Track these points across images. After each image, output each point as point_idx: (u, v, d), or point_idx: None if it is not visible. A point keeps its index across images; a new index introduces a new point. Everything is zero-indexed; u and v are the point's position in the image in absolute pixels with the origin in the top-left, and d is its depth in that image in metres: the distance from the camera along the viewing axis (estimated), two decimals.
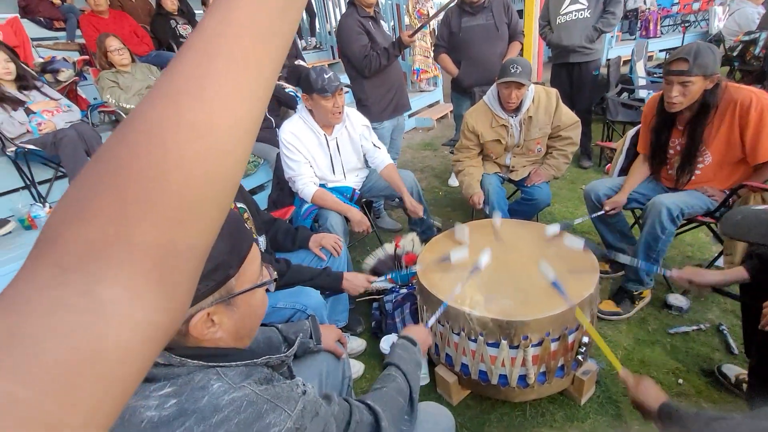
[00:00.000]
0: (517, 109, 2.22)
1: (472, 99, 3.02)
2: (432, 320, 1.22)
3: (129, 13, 4.04)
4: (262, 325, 1.41)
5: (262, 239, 1.67)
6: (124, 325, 0.19)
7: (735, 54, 4.25)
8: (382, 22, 2.78)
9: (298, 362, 1.15)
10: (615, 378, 1.61)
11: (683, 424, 0.88)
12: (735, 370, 1.50)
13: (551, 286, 1.24)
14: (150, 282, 0.21)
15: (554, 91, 2.26)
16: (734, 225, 0.52)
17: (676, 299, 1.88)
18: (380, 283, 2.12)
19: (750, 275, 1.23)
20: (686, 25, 6.67)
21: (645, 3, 7.30)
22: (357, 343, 1.91)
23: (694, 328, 1.77)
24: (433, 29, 5.39)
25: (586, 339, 1.43)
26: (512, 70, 2.04)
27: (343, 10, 2.68)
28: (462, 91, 3.15)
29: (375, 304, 2.03)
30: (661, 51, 6.74)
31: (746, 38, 4.06)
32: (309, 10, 6.30)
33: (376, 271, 2.13)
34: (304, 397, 0.63)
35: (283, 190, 2.26)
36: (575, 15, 3.14)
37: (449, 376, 1.56)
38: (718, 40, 5.17)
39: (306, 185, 2.02)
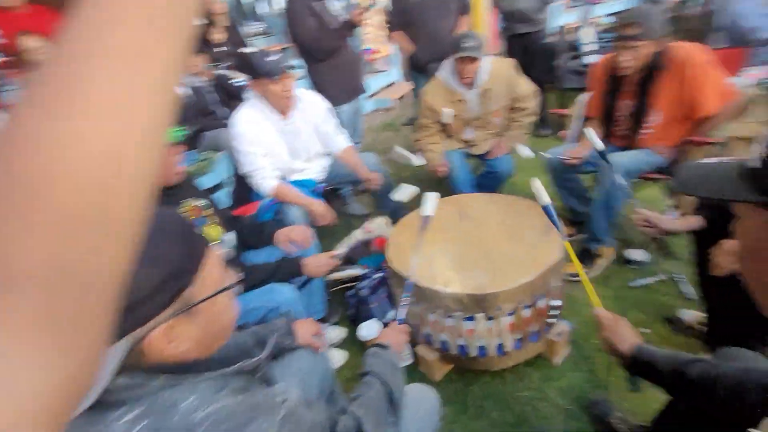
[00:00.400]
0: (474, 83, 2.22)
1: (429, 75, 2.98)
2: (402, 313, 1.21)
3: (53, 5, 3.66)
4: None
5: (229, 236, 1.59)
6: (18, 396, 0.15)
7: (674, 14, 4.42)
8: (334, 0, 2.67)
9: (276, 363, 1.12)
10: (587, 336, 1.69)
11: (656, 366, 0.91)
12: (692, 315, 1.61)
13: (543, 210, 1.23)
14: (41, 325, 0.17)
15: (511, 62, 2.27)
16: (684, 181, 0.53)
17: (636, 254, 1.98)
18: (353, 269, 2.11)
19: (706, 221, 1.30)
20: None
21: None
22: (335, 333, 1.89)
23: (654, 279, 1.87)
24: (384, 7, 5.25)
25: (556, 302, 1.48)
26: (465, 44, 2.03)
27: None
28: (419, 69, 3.12)
29: (350, 292, 2.02)
30: (607, 15, 6.91)
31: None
32: None
33: (348, 259, 2.11)
34: (286, 404, 0.60)
35: (245, 185, 2.16)
36: None
37: (430, 354, 1.58)
38: (654, 1, 5.35)
39: (264, 179, 1.93)
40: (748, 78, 1.81)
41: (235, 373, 0.63)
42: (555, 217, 1.22)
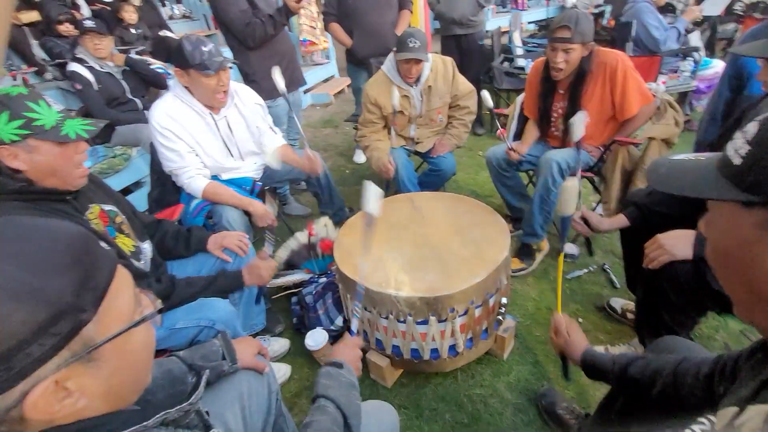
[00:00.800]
0: (417, 80, 2.19)
1: (368, 71, 2.92)
2: (355, 324, 1.13)
3: None
4: (157, 354, 1.17)
5: (147, 246, 1.38)
6: None
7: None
8: None
9: (212, 389, 0.97)
10: (529, 329, 1.75)
11: (602, 367, 0.94)
12: (620, 302, 1.74)
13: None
14: None
15: (450, 60, 2.27)
16: (661, 177, 0.50)
17: (569, 248, 2.10)
18: (295, 275, 1.98)
19: (630, 221, 1.39)
20: None
21: None
22: (279, 345, 1.75)
23: (585, 271, 2.00)
24: None
25: (504, 300, 1.49)
26: (410, 45, 1.99)
27: None
28: (358, 63, 3.03)
29: (294, 299, 1.88)
30: (530, 23, 7.41)
31: (596, 11, 4.65)
32: None
33: (290, 264, 1.97)
34: None
35: (166, 186, 1.91)
36: None
37: (381, 360, 1.52)
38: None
39: (193, 178, 1.72)
40: (660, 84, 2.00)
41: (157, 427, 0.50)
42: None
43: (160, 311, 0.55)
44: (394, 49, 2.13)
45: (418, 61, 2.06)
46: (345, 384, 0.89)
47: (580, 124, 1.19)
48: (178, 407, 0.53)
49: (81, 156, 1.12)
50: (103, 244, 0.51)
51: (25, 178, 1.04)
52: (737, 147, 0.43)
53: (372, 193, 1.10)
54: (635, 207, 1.41)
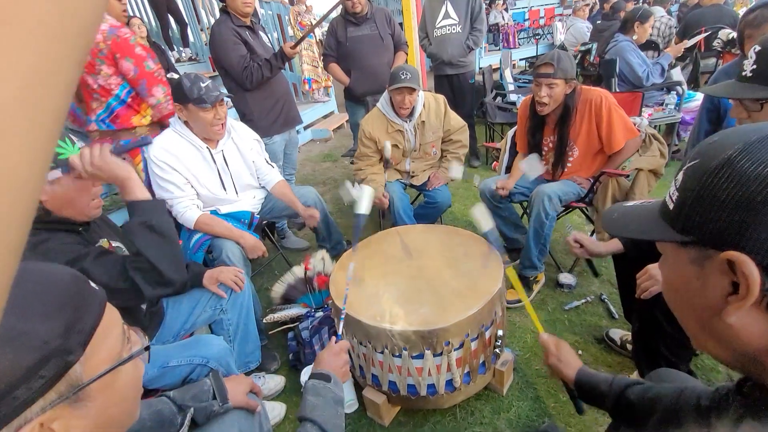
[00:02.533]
0: (411, 115, 2.28)
1: (365, 107, 3.04)
2: (340, 327, 1.13)
3: None
4: (149, 393, 1.16)
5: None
6: None
7: (576, 61, 5.06)
8: (261, 33, 2.62)
9: (202, 431, 0.95)
10: (529, 362, 1.72)
11: (598, 389, 0.92)
12: (619, 333, 1.72)
13: (484, 237, 1.22)
14: None
15: (441, 97, 2.37)
16: (611, 222, 0.54)
17: (566, 278, 2.10)
18: (292, 309, 1.97)
19: (623, 246, 1.41)
20: (537, 37, 7.78)
21: (504, 18, 8.31)
22: (274, 383, 1.72)
23: (583, 301, 1.99)
24: (320, 40, 5.35)
25: (500, 332, 1.48)
26: (402, 77, 2.09)
27: (218, 16, 2.45)
28: (356, 100, 3.15)
29: (290, 334, 1.87)
30: (521, 60, 7.75)
31: (583, 48, 4.87)
32: (179, 19, 5.73)
33: (286, 298, 1.97)
34: None
35: None
36: (449, 29, 3.39)
37: (378, 397, 1.49)
38: (563, 49, 6.10)
39: (187, 208, 1.76)
40: (644, 118, 2.08)
41: None
42: (497, 243, 1.23)
43: (146, 348, 0.56)
44: (388, 85, 2.23)
45: (411, 92, 2.14)
46: (331, 401, 0.88)
47: (533, 162, 1.25)
48: None
49: (97, 189, 1.18)
50: (92, 285, 0.53)
51: (44, 207, 1.10)
52: (671, 193, 0.47)
53: (366, 195, 1.17)
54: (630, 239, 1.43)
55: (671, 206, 0.47)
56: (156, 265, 1.12)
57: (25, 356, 0.41)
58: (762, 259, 0.38)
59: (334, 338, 1.09)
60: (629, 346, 1.64)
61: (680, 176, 0.46)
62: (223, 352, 1.25)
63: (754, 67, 1.06)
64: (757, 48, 1.06)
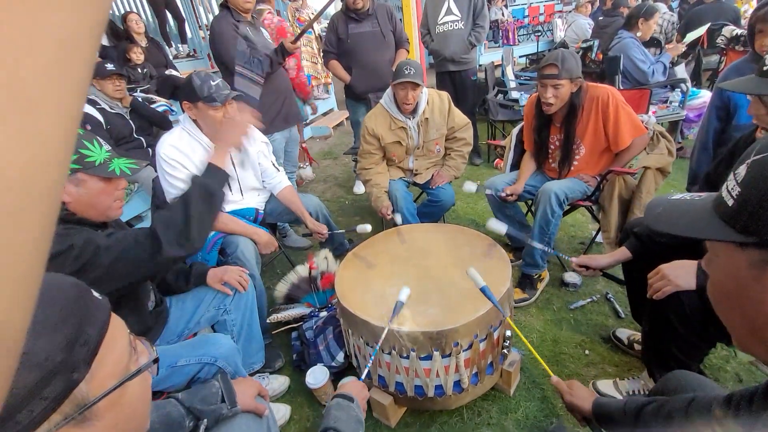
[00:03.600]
0: (414, 112, 2.25)
1: (367, 105, 3.01)
2: (365, 372, 1.13)
3: None
4: (156, 394, 1.14)
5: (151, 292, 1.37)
6: None
7: (580, 58, 5.04)
8: (262, 29, 2.58)
9: None
10: (536, 362, 1.70)
11: (614, 416, 0.92)
12: (626, 333, 1.71)
13: (480, 292, 1.23)
14: None
15: (445, 94, 2.34)
16: (658, 217, 0.51)
17: (571, 277, 2.09)
18: (295, 309, 1.95)
19: (631, 253, 1.39)
20: (538, 34, 7.73)
21: (503, 15, 8.27)
22: (279, 383, 1.70)
23: (589, 300, 1.98)
24: (319, 35, 5.30)
25: (508, 332, 1.47)
26: (406, 72, 2.06)
27: (216, 12, 2.42)
28: (356, 98, 3.12)
29: (294, 334, 1.85)
30: (521, 57, 7.70)
31: (584, 45, 4.83)
32: (176, 14, 5.67)
33: (290, 298, 1.95)
34: None
35: None
36: (451, 26, 3.36)
37: (384, 398, 1.47)
38: (563, 46, 6.08)
39: None
40: (651, 115, 2.06)
41: None
42: (493, 297, 1.24)
43: (155, 361, 0.54)
44: (391, 80, 2.20)
45: (415, 87, 2.12)
46: (354, 419, 0.87)
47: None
48: None
49: (120, 192, 1.19)
50: (95, 294, 0.50)
51: (67, 209, 1.10)
52: (730, 188, 0.44)
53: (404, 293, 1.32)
54: (635, 237, 1.41)
55: (730, 203, 0.44)
56: (191, 222, 1.15)
57: (26, 376, 0.38)
58: None
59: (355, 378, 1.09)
60: (637, 346, 1.63)
61: (742, 170, 0.43)
62: (231, 351, 1.24)
63: None
64: None
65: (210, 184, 1.24)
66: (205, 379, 1.18)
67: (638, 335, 1.65)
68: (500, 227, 1.55)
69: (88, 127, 2.62)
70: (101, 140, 1.16)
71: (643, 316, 1.42)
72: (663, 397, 0.85)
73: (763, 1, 1.80)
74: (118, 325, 0.49)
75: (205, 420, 0.80)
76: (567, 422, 1.44)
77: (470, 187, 2.00)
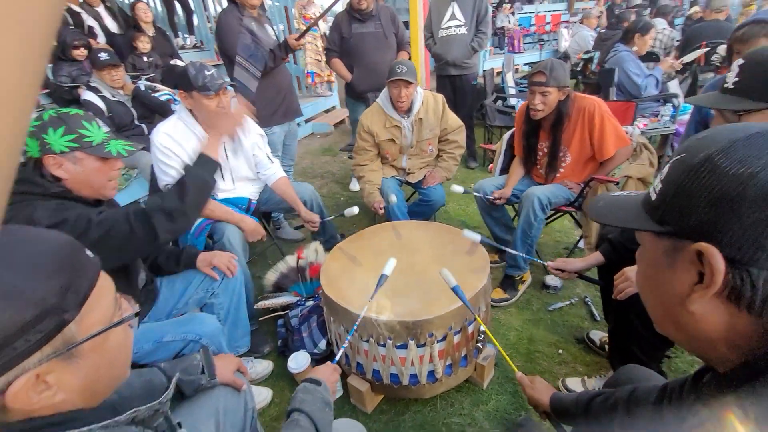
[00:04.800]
0: (409, 111, 2.32)
1: (366, 104, 3.07)
2: (339, 353, 1.19)
3: None
4: (139, 366, 1.20)
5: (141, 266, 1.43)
6: None
7: (578, 69, 5.11)
8: (267, 25, 2.65)
9: (188, 402, 1.00)
10: (511, 357, 1.77)
11: (568, 409, 0.98)
12: (599, 335, 1.77)
13: (452, 291, 1.29)
14: None
15: (441, 96, 2.41)
16: (598, 210, 0.58)
17: (552, 280, 2.15)
18: (283, 297, 2.01)
19: (604, 258, 1.46)
20: (542, 43, 7.81)
21: (509, 22, 8.34)
22: (262, 366, 1.76)
23: (567, 303, 2.04)
24: (324, 33, 5.37)
25: (483, 327, 1.53)
26: (398, 70, 2.14)
27: (225, 5, 2.48)
28: (356, 96, 3.19)
29: (280, 321, 1.91)
30: (525, 64, 7.78)
31: (585, 56, 4.91)
32: (185, 5, 5.73)
33: (278, 286, 2.01)
34: None
35: None
36: (454, 30, 3.42)
37: (362, 385, 1.53)
38: (566, 56, 6.15)
39: None
40: (636, 128, 2.13)
41: (127, 424, 0.54)
42: (464, 296, 1.28)
43: (136, 314, 0.60)
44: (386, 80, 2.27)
45: (407, 85, 2.18)
46: (320, 400, 0.92)
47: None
48: (148, 405, 0.57)
49: (115, 173, 1.24)
50: (88, 253, 0.57)
51: (64, 186, 1.16)
52: (655, 185, 0.50)
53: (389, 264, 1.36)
54: (609, 243, 1.47)
55: (653, 197, 0.49)
56: (184, 209, 1.24)
57: (24, 311, 0.45)
58: (729, 252, 0.41)
59: (329, 361, 1.13)
60: (607, 348, 1.69)
61: (666, 169, 0.49)
62: (216, 331, 1.30)
63: (737, 79, 1.11)
64: (741, 61, 1.11)
65: (202, 173, 1.33)
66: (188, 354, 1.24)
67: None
68: (474, 237, 1.60)
69: (90, 115, 2.69)
70: (100, 121, 1.22)
71: (609, 317, 1.49)
72: (610, 389, 0.91)
73: (741, 23, 1.86)
74: (106, 281, 0.56)
75: (177, 374, 0.86)
76: (535, 417, 1.50)
77: (458, 188, 2.07)
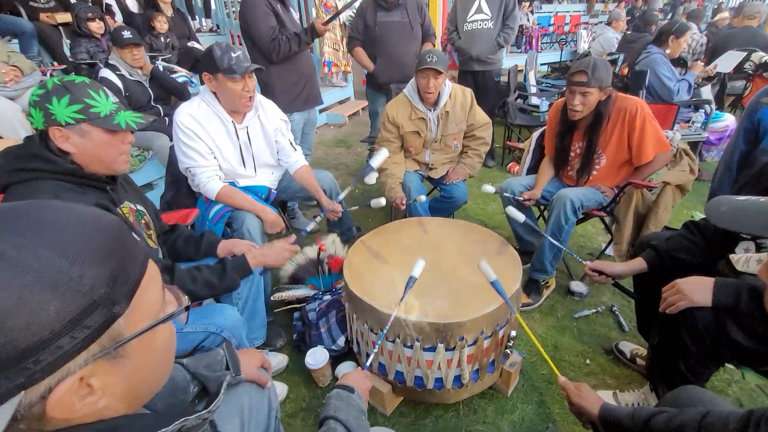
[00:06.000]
0: (436, 104, 2.24)
1: (388, 96, 2.99)
2: (369, 360, 1.12)
3: None
4: None
5: (159, 250, 1.37)
6: None
7: None
8: (291, 9, 2.57)
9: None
10: (535, 365, 1.70)
11: (622, 422, 0.91)
12: (629, 347, 1.70)
13: (491, 285, 1.22)
14: None
15: (469, 91, 2.32)
16: (720, 215, 0.51)
17: (577, 286, 2.08)
18: (299, 290, 1.95)
19: (648, 265, 1.38)
20: (562, 43, 7.67)
21: (528, 21, 8.19)
22: (277, 360, 1.71)
23: (593, 311, 1.97)
24: (344, 22, 5.27)
25: (513, 332, 1.46)
26: (428, 59, 2.06)
27: None
28: (378, 88, 3.10)
29: (296, 314, 1.85)
30: (542, 64, 7.64)
31: (609, 58, 4.79)
32: None
33: (295, 278, 1.94)
34: None
35: (180, 189, 1.92)
36: (480, 24, 3.32)
37: (383, 386, 1.47)
38: (585, 56, 6.02)
39: (210, 179, 1.73)
40: (676, 132, 2.04)
41: None
42: (503, 292, 1.22)
43: (186, 309, 0.53)
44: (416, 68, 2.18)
45: (437, 75, 2.10)
46: (355, 407, 0.86)
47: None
48: (197, 414, 0.50)
49: (126, 146, 1.16)
50: (134, 236, 0.51)
51: (72, 161, 1.08)
52: None
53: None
54: (653, 250, 1.39)
55: None
56: (202, 295, 1.24)
57: (73, 303, 0.38)
58: None
59: (359, 368, 1.08)
60: (639, 360, 1.62)
61: None
62: (237, 323, 1.23)
63: None
64: None
65: (235, 277, 1.32)
66: (210, 348, 1.18)
67: (641, 350, 1.64)
68: (518, 215, 1.54)
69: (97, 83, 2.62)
70: (108, 91, 1.12)
71: (650, 331, 1.41)
72: (674, 409, 0.84)
73: None
74: (154, 270, 0.48)
75: (227, 377, 0.80)
76: (563, 429, 1.44)
77: (489, 188, 1.97)
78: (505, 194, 2.11)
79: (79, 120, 1.04)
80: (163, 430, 0.45)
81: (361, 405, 0.89)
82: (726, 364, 1.21)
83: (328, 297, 1.83)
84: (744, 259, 1.17)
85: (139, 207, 1.29)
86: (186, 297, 0.56)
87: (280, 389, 1.59)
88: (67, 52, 3.41)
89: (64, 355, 0.38)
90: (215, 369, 0.94)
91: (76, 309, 0.38)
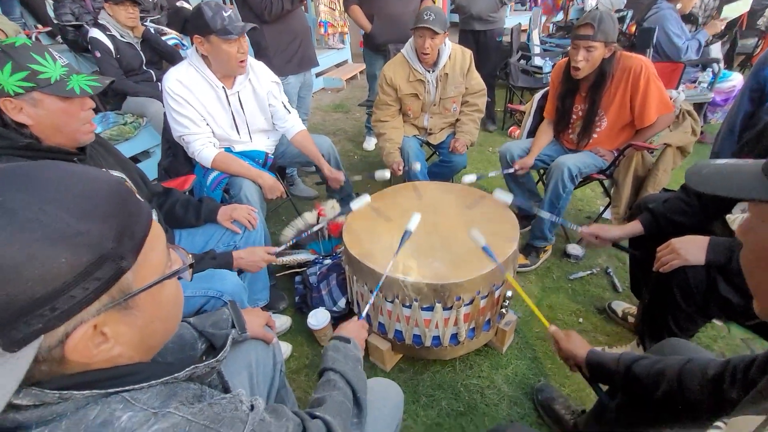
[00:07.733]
0: (435, 65, 2.17)
1: (385, 57, 2.89)
2: (366, 309, 1.15)
3: None
4: None
5: (153, 215, 1.37)
6: None
7: None
8: None
9: None
10: (530, 324, 1.76)
11: (607, 365, 0.95)
12: (621, 306, 1.75)
13: (482, 251, 1.24)
14: None
15: (469, 52, 2.25)
16: (700, 179, 0.51)
17: (573, 249, 2.11)
18: (300, 254, 1.98)
19: (644, 228, 1.39)
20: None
21: None
22: (281, 322, 1.76)
23: (588, 272, 2.01)
24: None
25: (509, 293, 1.50)
26: (425, 17, 1.97)
27: None
28: (375, 49, 3.00)
29: (298, 278, 1.89)
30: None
31: (617, 15, 4.59)
32: None
33: (296, 244, 1.97)
34: (252, 415, 0.50)
35: (177, 156, 1.90)
36: None
37: (382, 344, 1.53)
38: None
39: (204, 146, 1.71)
40: (680, 92, 1.99)
41: (186, 381, 0.51)
42: (493, 255, 1.23)
43: (190, 266, 0.55)
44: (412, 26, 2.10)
45: (433, 35, 2.02)
46: (352, 358, 0.90)
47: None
48: (206, 362, 0.53)
49: (87, 113, 1.07)
50: (138, 197, 0.52)
51: (32, 134, 1.01)
52: None
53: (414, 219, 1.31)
54: (650, 213, 1.40)
55: None
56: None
57: (82, 255, 0.40)
58: None
59: (356, 317, 1.10)
60: (630, 319, 1.67)
61: None
62: (237, 288, 1.26)
63: None
64: None
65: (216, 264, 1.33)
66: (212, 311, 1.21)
67: (633, 308, 1.69)
68: (506, 198, 1.53)
69: (98, 54, 2.53)
70: (54, 53, 1.01)
71: (642, 290, 1.45)
72: (656, 355, 0.88)
73: None
74: (158, 230, 0.51)
75: (234, 330, 0.83)
76: (554, 382, 1.51)
77: (470, 177, 1.85)
78: (504, 156, 2.09)
79: (28, 89, 0.95)
80: (175, 375, 0.48)
81: (357, 354, 0.93)
82: (713, 320, 1.25)
83: (328, 261, 1.87)
84: (740, 219, 1.19)
85: (118, 174, 1.24)
86: (190, 255, 0.58)
87: (285, 348, 1.66)
88: (52, 14, 3.28)
89: (77, 304, 0.40)
90: (221, 327, 0.97)
91: (86, 262, 0.41)
